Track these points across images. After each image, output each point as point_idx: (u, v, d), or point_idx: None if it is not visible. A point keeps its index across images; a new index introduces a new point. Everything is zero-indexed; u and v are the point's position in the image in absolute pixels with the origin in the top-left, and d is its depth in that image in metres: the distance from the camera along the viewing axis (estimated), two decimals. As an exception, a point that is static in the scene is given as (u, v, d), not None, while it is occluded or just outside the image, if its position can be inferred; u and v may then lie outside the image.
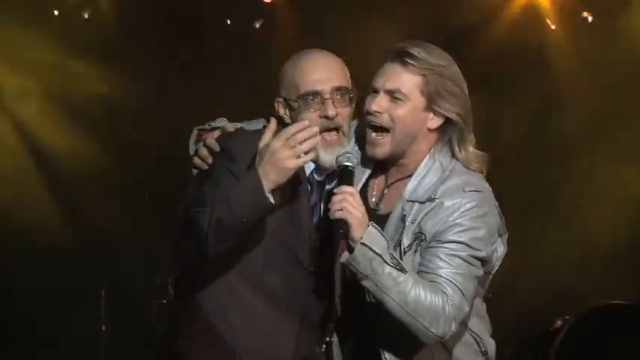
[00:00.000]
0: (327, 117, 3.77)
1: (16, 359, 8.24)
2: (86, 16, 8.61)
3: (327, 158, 3.77)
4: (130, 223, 8.44)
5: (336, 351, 3.90)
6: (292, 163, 3.54)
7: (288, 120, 3.86)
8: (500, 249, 3.86)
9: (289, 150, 3.53)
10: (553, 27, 8.43)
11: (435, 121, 3.80)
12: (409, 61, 3.75)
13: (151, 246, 7.36)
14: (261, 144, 3.59)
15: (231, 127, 3.94)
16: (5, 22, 8.27)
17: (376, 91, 3.80)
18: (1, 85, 8.54)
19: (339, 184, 3.65)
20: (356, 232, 3.56)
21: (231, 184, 3.59)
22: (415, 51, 3.76)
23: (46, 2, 8.61)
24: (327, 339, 3.90)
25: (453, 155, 3.82)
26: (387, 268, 3.56)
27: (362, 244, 3.56)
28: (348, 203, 3.57)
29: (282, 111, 3.87)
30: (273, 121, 3.64)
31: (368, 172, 3.93)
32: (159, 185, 7.76)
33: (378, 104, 3.78)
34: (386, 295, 3.57)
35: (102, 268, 8.48)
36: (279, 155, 3.53)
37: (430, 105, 3.77)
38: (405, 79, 3.76)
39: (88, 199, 8.71)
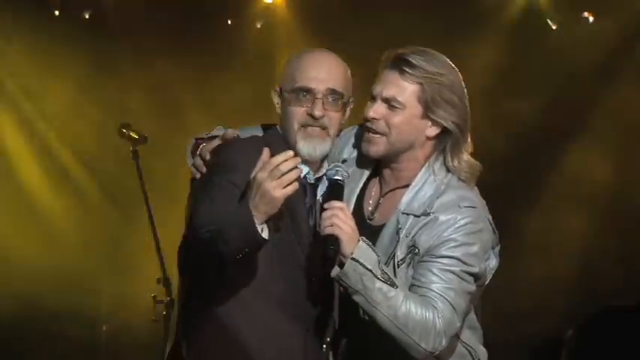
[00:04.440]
0: (312, 116, 3.78)
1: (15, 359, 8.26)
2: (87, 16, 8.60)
3: (305, 149, 3.79)
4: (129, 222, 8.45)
5: (331, 358, 3.94)
6: (279, 193, 3.48)
7: (278, 110, 3.89)
8: (493, 262, 3.86)
9: (275, 180, 3.48)
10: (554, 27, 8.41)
11: (433, 130, 3.80)
12: (406, 69, 3.74)
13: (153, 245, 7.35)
14: (253, 174, 3.55)
15: (229, 134, 3.94)
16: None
17: (374, 98, 3.80)
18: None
19: (329, 199, 3.65)
20: (347, 247, 3.55)
21: (228, 212, 3.55)
22: (413, 58, 3.75)
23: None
24: (327, 339, 3.92)
25: (445, 164, 3.81)
26: (378, 284, 3.55)
27: (352, 259, 3.55)
28: (338, 219, 3.56)
29: (275, 99, 3.90)
30: (266, 151, 3.57)
31: (367, 174, 3.93)
32: (160, 185, 7.74)
33: (375, 111, 3.78)
34: (376, 310, 3.57)
35: (102, 266, 8.49)
36: (265, 186, 3.47)
37: (427, 113, 3.76)
38: (401, 87, 3.75)
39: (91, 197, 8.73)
